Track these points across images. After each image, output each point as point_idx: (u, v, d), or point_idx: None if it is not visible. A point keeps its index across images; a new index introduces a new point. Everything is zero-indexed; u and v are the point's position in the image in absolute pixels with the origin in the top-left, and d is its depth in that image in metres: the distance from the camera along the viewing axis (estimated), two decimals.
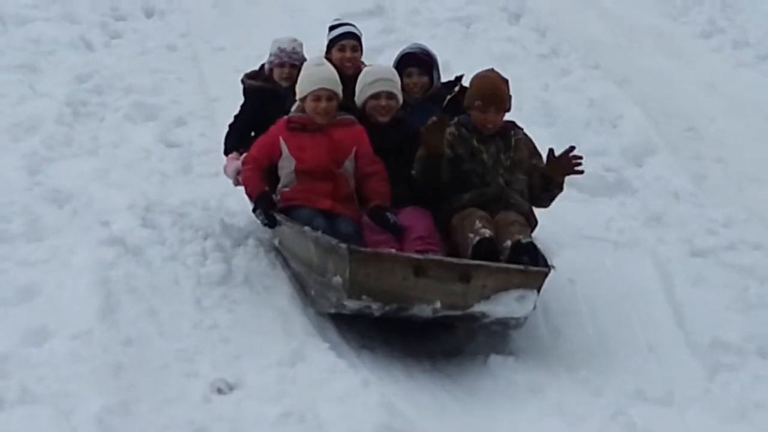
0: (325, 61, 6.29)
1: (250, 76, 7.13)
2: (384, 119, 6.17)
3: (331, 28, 6.93)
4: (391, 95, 6.14)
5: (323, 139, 6.05)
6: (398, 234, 5.87)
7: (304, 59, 6.81)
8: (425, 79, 6.56)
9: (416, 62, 6.56)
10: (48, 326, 5.44)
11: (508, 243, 5.65)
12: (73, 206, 6.91)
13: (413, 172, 6.01)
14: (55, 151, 7.81)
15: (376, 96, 6.14)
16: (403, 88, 6.36)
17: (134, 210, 6.95)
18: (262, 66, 7.07)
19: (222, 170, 6.85)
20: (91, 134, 8.22)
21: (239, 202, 7.03)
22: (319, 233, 5.68)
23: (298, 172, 6.06)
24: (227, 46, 10.42)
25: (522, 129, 6.22)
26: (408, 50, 6.65)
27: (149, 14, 10.86)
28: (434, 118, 5.81)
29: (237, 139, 6.88)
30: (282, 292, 6.21)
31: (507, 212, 5.94)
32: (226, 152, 6.88)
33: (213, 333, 5.70)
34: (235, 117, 7.00)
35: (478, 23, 10.79)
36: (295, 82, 6.54)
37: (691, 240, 7.00)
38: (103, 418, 4.80)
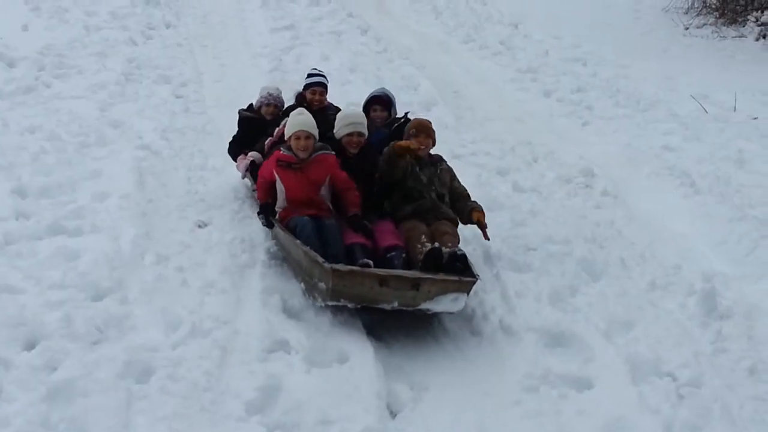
0: (305, 111, 6.66)
1: (244, 110, 7.83)
2: (354, 150, 6.59)
3: (309, 75, 7.59)
4: (361, 134, 6.64)
5: (302, 176, 6.40)
6: (370, 237, 6.20)
7: (283, 101, 7.71)
8: (385, 113, 7.18)
9: (379, 102, 7.20)
10: (107, 191, 7.09)
11: (446, 251, 5.91)
12: (123, 129, 8.74)
13: (377, 174, 6.47)
14: (115, 99, 9.64)
15: (350, 134, 6.63)
16: (370, 119, 6.89)
17: (156, 131, 8.85)
18: (251, 104, 7.80)
19: (235, 168, 7.61)
20: (135, 90, 10.16)
21: (214, 125, 8.93)
22: (307, 248, 5.85)
23: (288, 198, 6.46)
24: (209, 44, 12.64)
25: (446, 162, 6.86)
26: (375, 93, 7.23)
27: (168, 26, 13.06)
28: (401, 144, 6.34)
29: (236, 150, 7.64)
30: (235, 178, 7.68)
31: (440, 222, 6.39)
32: (233, 158, 7.65)
33: (196, 196, 7.41)
34: (234, 136, 7.72)
35: (344, 35, 13.55)
36: (276, 115, 7.41)
37: (452, 150, 8.77)
38: (136, 240, 6.36)
